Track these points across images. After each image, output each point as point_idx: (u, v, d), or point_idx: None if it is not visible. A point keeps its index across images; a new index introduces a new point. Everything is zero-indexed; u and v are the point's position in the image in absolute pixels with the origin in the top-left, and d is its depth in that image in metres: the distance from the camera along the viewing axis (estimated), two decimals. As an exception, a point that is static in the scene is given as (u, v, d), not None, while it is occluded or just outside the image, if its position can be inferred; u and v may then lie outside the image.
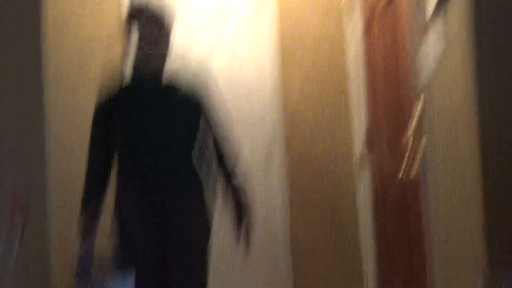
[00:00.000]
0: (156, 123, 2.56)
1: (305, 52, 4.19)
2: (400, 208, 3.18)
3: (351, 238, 4.03)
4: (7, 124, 4.32)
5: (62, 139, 4.05)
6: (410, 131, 2.82)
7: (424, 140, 2.76)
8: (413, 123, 2.80)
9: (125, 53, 2.66)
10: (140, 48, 2.58)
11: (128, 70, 2.67)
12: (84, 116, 3.99)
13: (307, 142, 4.14)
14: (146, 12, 2.57)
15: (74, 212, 3.86)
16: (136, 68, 2.62)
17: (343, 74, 4.14)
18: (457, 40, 2.37)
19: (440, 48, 2.53)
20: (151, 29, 2.56)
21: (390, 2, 3.21)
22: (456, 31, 2.38)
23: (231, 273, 3.93)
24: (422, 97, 2.76)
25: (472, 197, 2.19)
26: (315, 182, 4.11)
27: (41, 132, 3.99)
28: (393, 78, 3.29)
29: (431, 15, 2.54)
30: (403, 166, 2.85)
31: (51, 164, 3.94)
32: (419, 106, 2.78)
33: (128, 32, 2.61)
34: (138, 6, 2.61)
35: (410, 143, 2.81)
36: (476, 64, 2.20)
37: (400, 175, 2.87)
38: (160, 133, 2.57)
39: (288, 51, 4.18)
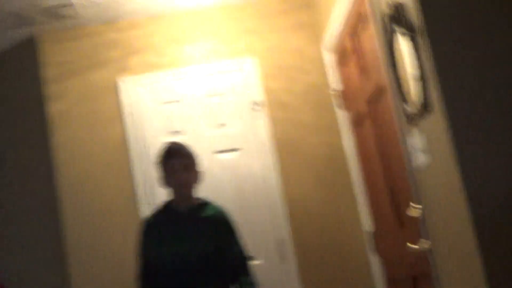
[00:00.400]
0: (185, 246, 2.94)
1: (303, 143, 4.31)
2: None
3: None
4: (28, 255, 4.46)
5: (78, 260, 4.15)
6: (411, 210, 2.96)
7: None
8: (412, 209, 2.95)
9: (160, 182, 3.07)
10: (173, 178, 3.00)
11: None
12: (100, 245, 4.15)
13: (317, 226, 4.19)
14: (181, 150, 3.04)
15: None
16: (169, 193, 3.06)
17: (341, 161, 4.23)
18: (437, 150, 2.55)
19: (424, 148, 2.68)
20: (184, 162, 3.00)
21: (379, 92, 3.37)
22: (434, 142, 2.55)
23: None
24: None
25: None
26: (329, 263, 4.15)
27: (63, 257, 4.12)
28: (387, 164, 3.43)
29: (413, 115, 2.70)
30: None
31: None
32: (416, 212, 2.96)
33: (163, 166, 3.03)
34: (173, 147, 3.07)
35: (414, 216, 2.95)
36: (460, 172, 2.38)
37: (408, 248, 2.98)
38: (186, 251, 2.93)
39: (286, 144, 4.29)
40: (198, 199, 3.07)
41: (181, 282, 2.92)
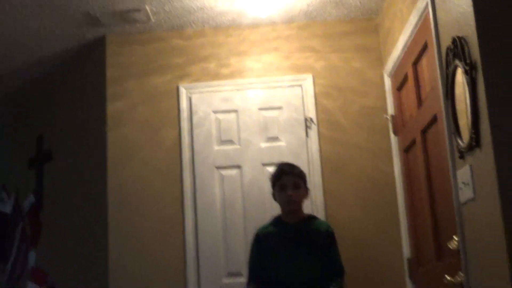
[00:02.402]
0: (295, 257, 3.37)
1: (351, 164, 4.34)
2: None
3: None
4: (74, 246, 4.59)
5: (122, 263, 4.22)
6: (452, 243, 2.97)
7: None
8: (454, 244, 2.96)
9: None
10: (283, 194, 3.47)
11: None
12: (142, 238, 4.25)
13: (358, 248, 4.21)
14: (293, 170, 3.52)
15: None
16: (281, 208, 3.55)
17: (388, 186, 4.26)
18: (484, 187, 2.55)
19: (470, 182, 2.70)
20: (293, 180, 3.49)
21: (432, 123, 3.38)
22: (483, 178, 2.56)
23: None
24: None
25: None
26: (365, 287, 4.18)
27: (105, 255, 4.23)
28: (434, 194, 3.44)
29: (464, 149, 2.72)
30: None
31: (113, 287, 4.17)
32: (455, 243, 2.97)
33: (275, 183, 3.54)
34: (285, 166, 3.57)
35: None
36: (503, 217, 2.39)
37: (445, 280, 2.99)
38: (297, 265, 3.36)
39: (334, 164, 4.33)
40: (307, 214, 3.56)
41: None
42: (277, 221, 3.52)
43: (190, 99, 4.45)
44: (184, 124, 4.40)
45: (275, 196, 3.53)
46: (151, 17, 4.32)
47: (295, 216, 3.48)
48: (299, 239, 3.40)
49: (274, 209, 4.23)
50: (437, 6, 3.04)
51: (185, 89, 4.47)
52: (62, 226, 4.75)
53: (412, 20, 3.53)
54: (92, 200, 4.50)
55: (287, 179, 3.45)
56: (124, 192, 4.31)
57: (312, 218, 3.56)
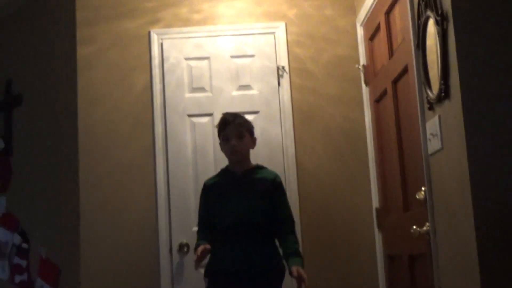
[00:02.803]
0: (240, 204, 3.36)
1: (322, 113, 4.35)
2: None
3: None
4: (44, 191, 4.58)
5: (93, 206, 4.21)
6: (420, 194, 3.03)
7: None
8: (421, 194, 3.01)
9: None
10: (227, 145, 3.43)
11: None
12: (113, 182, 4.25)
13: (326, 196, 4.26)
14: (235, 120, 3.43)
15: (104, 274, 4.13)
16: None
17: (358, 136, 4.28)
18: (452, 138, 2.58)
19: (438, 133, 2.72)
20: (236, 130, 3.42)
21: (403, 73, 3.39)
22: (451, 129, 2.58)
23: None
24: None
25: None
26: (333, 234, 4.23)
27: (76, 199, 4.23)
28: (403, 145, 3.47)
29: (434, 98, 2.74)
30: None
31: (84, 231, 4.18)
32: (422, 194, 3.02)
33: (219, 134, 3.47)
34: (227, 117, 3.46)
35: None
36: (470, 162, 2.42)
37: (412, 230, 3.05)
38: (242, 212, 3.34)
39: (306, 112, 4.34)
40: (255, 164, 3.49)
41: (236, 237, 3.31)
42: (224, 172, 3.51)
43: (161, 45, 4.40)
44: (156, 70, 4.36)
45: (220, 147, 3.50)
46: (122, -41, 4.23)
47: (241, 166, 3.44)
48: (244, 187, 3.38)
49: (244, 157, 4.26)
50: (411, -45, 3.02)
51: (157, 34, 4.41)
52: (32, 171, 4.73)
53: (386, -31, 3.50)
54: (62, 144, 4.47)
55: (230, 129, 3.40)
56: (95, 137, 4.29)
57: (259, 168, 3.50)
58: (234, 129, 3.39)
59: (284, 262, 3.32)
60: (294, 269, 3.17)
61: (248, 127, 3.47)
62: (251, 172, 3.44)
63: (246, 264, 3.26)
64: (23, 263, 4.65)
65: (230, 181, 3.43)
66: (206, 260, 3.32)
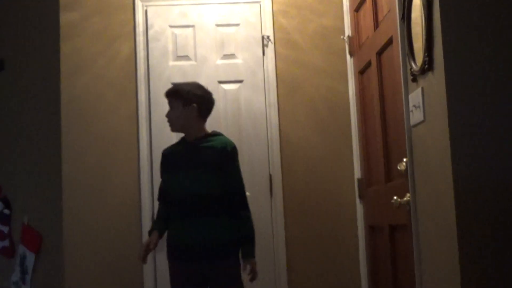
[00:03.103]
0: (186, 175, 3.27)
1: (306, 84, 4.36)
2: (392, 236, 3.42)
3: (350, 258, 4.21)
4: (27, 158, 4.56)
5: (76, 174, 4.21)
6: (401, 165, 3.05)
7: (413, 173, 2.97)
8: (403, 165, 3.04)
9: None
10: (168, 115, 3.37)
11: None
12: (96, 150, 4.24)
13: (309, 167, 4.30)
14: (170, 91, 3.40)
15: (86, 241, 4.13)
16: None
17: (342, 107, 4.30)
18: (434, 110, 2.60)
19: (421, 105, 2.74)
20: (170, 101, 3.37)
21: (388, 45, 3.39)
22: (433, 101, 2.60)
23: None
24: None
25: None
26: (315, 205, 4.27)
27: (58, 167, 4.22)
28: (386, 117, 3.49)
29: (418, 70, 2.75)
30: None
31: (66, 199, 4.17)
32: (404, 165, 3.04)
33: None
34: (169, 89, 3.42)
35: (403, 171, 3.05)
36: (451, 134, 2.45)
37: (392, 201, 3.08)
38: (189, 184, 3.25)
39: (290, 83, 4.35)
40: (211, 132, 3.37)
41: (185, 210, 3.24)
42: (180, 141, 3.43)
43: (146, 12, 4.36)
44: (140, 38, 4.33)
45: None
46: None
47: (191, 134, 3.34)
48: (192, 157, 3.28)
49: (228, 126, 4.27)
50: None
51: (141, 1, 4.37)
52: (15, 137, 4.69)
53: None
54: (44, 111, 4.44)
55: (168, 101, 3.38)
56: (78, 105, 4.27)
57: (213, 135, 3.36)
58: (169, 100, 3.37)
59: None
60: (247, 265, 3.19)
61: (180, 96, 3.33)
62: (200, 141, 3.32)
63: (197, 238, 3.18)
64: (5, 229, 4.64)
65: (181, 151, 3.35)
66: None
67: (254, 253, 3.24)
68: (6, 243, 4.61)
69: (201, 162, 3.25)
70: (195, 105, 3.31)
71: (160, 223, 3.34)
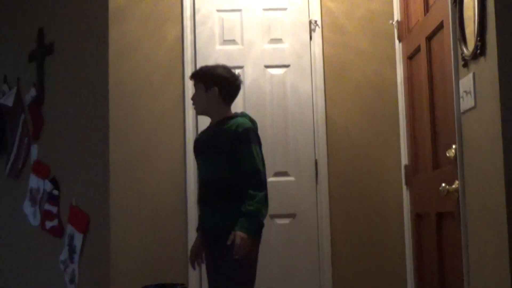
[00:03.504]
0: (201, 161, 3.34)
1: (354, 69, 4.33)
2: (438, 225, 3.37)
3: (396, 247, 4.17)
4: (75, 139, 4.63)
5: (123, 156, 4.24)
6: (450, 152, 3.00)
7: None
8: (452, 152, 2.98)
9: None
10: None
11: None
12: (143, 133, 4.28)
13: (355, 152, 4.27)
14: (193, 73, 3.45)
15: (132, 222, 4.18)
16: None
17: (390, 92, 4.25)
18: (486, 96, 2.54)
19: (472, 91, 2.69)
20: (194, 83, 3.42)
21: (439, 30, 3.33)
22: (485, 87, 2.54)
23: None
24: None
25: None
26: (360, 191, 4.25)
27: (106, 148, 4.27)
28: (435, 103, 3.44)
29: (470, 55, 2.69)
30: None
31: (113, 181, 4.23)
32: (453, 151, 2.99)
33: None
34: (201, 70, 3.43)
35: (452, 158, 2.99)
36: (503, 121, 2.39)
37: (440, 188, 3.03)
38: (203, 169, 3.32)
39: (337, 67, 4.32)
40: (233, 113, 3.34)
41: (201, 195, 3.32)
42: (209, 125, 3.45)
43: (193, -4, 4.37)
44: (187, 22, 4.34)
45: None
46: None
47: (215, 118, 3.33)
48: (209, 141, 3.27)
49: (274, 110, 4.26)
50: None
51: (189, -15, 4.37)
52: (64, 119, 4.77)
53: None
54: (93, 94, 4.49)
55: (193, 83, 3.42)
56: (125, 88, 4.30)
57: (230, 118, 3.28)
58: (193, 83, 3.41)
59: None
60: (231, 235, 3.03)
61: (202, 78, 3.33)
62: (219, 124, 3.29)
63: (207, 224, 3.26)
64: (54, 209, 4.73)
65: (204, 135, 3.39)
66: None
67: (250, 230, 3.05)
68: (55, 223, 4.70)
69: (214, 146, 3.21)
70: (216, 88, 3.28)
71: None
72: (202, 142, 3.33)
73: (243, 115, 3.34)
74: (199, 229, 3.39)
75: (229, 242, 3.01)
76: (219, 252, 3.13)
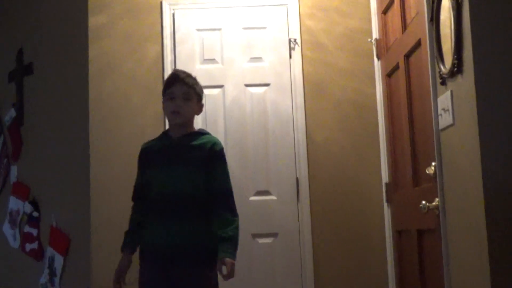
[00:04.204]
0: (170, 173, 2.99)
1: (333, 86, 4.34)
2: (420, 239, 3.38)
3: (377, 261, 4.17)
4: (55, 160, 4.60)
5: (104, 176, 4.22)
6: (430, 169, 3.01)
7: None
8: (432, 169, 3.00)
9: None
10: (171, 105, 3.04)
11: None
12: (123, 152, 4.25)
13: (336, 170, 4.26)
14: (185, 79, 3.05)
15: (114, 244, 4.14)
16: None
17: (370, 109, 4.26)
18: (464, 113, 2.56)
19: (450, 108, 2.70)
20: (184, 90, 3.03)
21: (416, 47, 3.36)
22: (463, 105, 2.56)
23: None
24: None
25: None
26: (342, 208, 4.23)
27: (86, 168, 4.24)
28: (414, 120, 3.46)
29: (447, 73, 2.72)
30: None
31: (94, 201, 4.19)
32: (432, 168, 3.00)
33: (165, 92, 3.08)
34: (177, 74, 3.09)
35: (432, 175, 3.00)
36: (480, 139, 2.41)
37: (421, 205, 3.03)
38: (172, 182, 2.97)
39: (317, 85, 4.32)
40: (197, 129, 3.11)
41: (164, 209, 2.95)
42: (162, 135, 3.15)
43: (173, 15, 4.37)
44: (167, 41, 4.34)
45: (163, 106, 3.11)
46: None
47: (180, 130, 3.04)
48: (178, 153, 2.99)
49: (255, 129, 4.26)
50: None
51: (169, 4, 4.38)
52: (44, 140, 4.74)
53: None
54: (73, 114, 4.47)
55: (177, 88, 3.01)
56: (105, 107, 4.29)
57: (200, 133, 3.08)
58: (182, 88, 3.01)
59: None
60: (222, 265, 2.84)
61: (197, 90, 3.07)
62: (188, 138, 3.04)
63: (171, 240, 2.91)
64: (34, 231, 4.68)
65: (165, 146, 3.05)
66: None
67: (234, 255, 2.89)
68: (35, 245, 4.65)
69: (188, 160, 2.97)
70: (203, 103, 3.13)
71: (133, 236, 3.07)
72: (169, 153, 3.02)
73: (209, 132, 3.19)
74: (128, 247, 3.08)
75: (225, 272, 2.85)
76: (183, 273, 2.90)
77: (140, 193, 3.08)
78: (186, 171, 2.96)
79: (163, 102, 3.08)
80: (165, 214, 2.95)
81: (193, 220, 2.94)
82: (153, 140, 3.16)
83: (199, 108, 3.09)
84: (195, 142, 3.01)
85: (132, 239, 3.07)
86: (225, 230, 2.90)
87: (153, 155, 3.06)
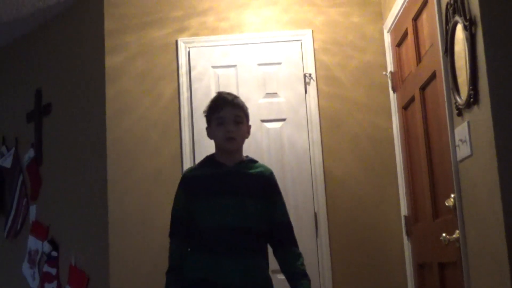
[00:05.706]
0: (230, 203, 2.73)
1: (350, 120, 4.34)
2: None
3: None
4: (73, 199, 4.62)
5: (121, 215, 4.24)
6: (449, 201, 2.98)
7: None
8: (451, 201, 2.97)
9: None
10: (222, 129, 2.79)
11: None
12: (141, 191, 4.27)
13: (354, 204, 4.23)
14: (234, 101, 2.83)
15: (132, 282, 4.13)
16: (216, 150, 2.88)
17: (387, 143, 4.25)
18: (481, 144, 2.55)
19: (468, 140, 2.69)
20: (235, 113, 2.80)
21: (431, 79, 3.36)
22: (480, 135, 2.55)
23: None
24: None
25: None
26: (361, 243, 4.19)
27: (105, 208, 4.25)
28: (432, 152, 3.44)
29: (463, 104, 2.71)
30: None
31: (112, 240, 4.20)
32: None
33: (212, 116, 2.84)
34: (226, 96, 2.86)
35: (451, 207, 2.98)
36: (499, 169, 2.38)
37: (441, 237, 3.00)
38: (235, 213, 2.72)
39: (333, 120, 4.33)
40: (246, 156, 2.89)
41: (223, 242, 2.69)
42: (209, 163, 2.84)
43: (188, 54, 4.42)
44: (183, 79, 4.38)
45: (208, 132, 2.86)
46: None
47: (233, 157, 2.80)
48: (238, 183, 2.74)
49: (272, 164, 4.24)
50: (438, -40, 2.99)
51: (184, 43, 4.43)
52: (62, 179, 4.77)
53: (414, -25, 3.48)
54: (91, 153, 4.50)
55: (228, 111, 2.76)
56: (123, 146, 4.32)
57: (252, 161, 2.86)
58: (233, 111, 2.78)
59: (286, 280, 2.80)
60: None
61: (246, 112, 2.85)
62: (244, 166, 2.81)
63: (240, 278, 2.65)
64: (53, 271, 4.68)
65: (219, 175, 2.76)
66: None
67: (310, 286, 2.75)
68: (54, 285, 4.65)
69: (250, 190, 2.73)
70: (250, 124, 2.89)
71: (177, 275, 2.77)
72: (223, 183, 2.75)
73: (257, 160, 2.96)
74: (173, 287, 2.79)
75: None
76: None
77: (180, 226, 2.79)
78: (249, 202, 2.72)
79: (210, 128, 2.84)
80: (223, 251, 2.67)
81: (258, 257, 2.75)
82: (197, 167, 2.89)
83: (248, 130, 2.86)
84: (252, 171, 2.81)
85: (176, 278, 2.77)
86: (298, 265, 2.78)
87: (204, 184, 2.77)
